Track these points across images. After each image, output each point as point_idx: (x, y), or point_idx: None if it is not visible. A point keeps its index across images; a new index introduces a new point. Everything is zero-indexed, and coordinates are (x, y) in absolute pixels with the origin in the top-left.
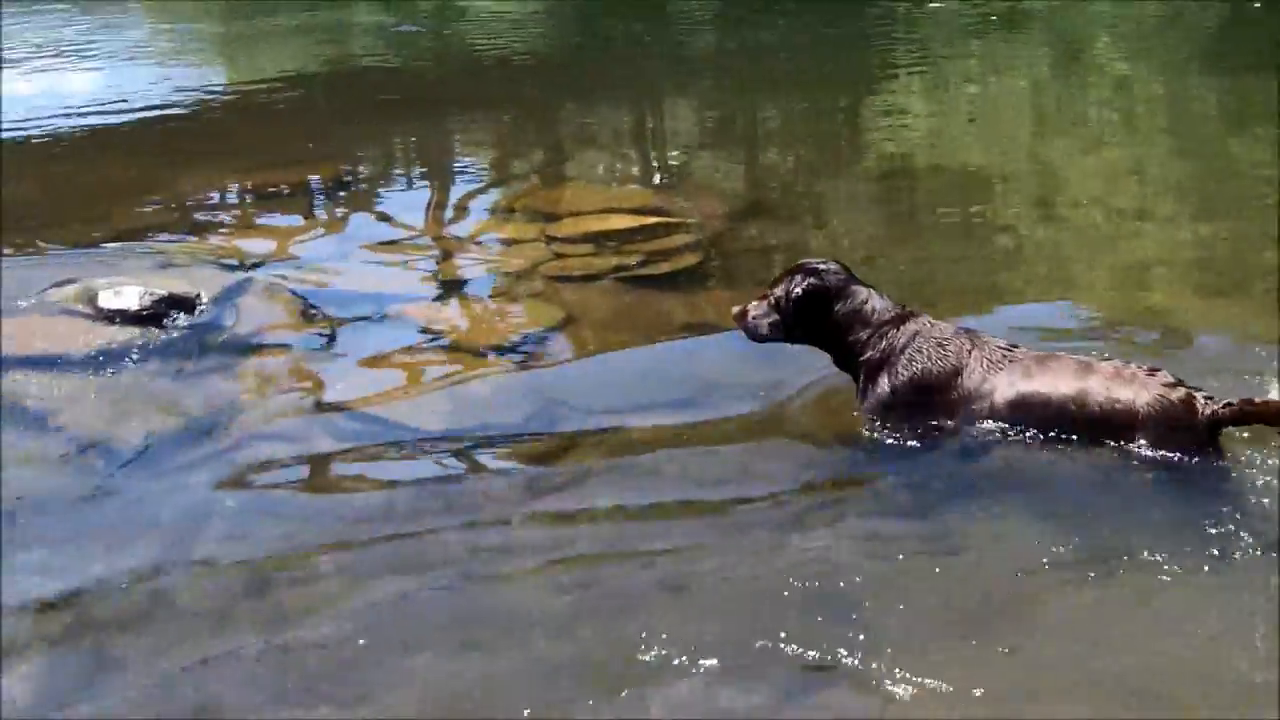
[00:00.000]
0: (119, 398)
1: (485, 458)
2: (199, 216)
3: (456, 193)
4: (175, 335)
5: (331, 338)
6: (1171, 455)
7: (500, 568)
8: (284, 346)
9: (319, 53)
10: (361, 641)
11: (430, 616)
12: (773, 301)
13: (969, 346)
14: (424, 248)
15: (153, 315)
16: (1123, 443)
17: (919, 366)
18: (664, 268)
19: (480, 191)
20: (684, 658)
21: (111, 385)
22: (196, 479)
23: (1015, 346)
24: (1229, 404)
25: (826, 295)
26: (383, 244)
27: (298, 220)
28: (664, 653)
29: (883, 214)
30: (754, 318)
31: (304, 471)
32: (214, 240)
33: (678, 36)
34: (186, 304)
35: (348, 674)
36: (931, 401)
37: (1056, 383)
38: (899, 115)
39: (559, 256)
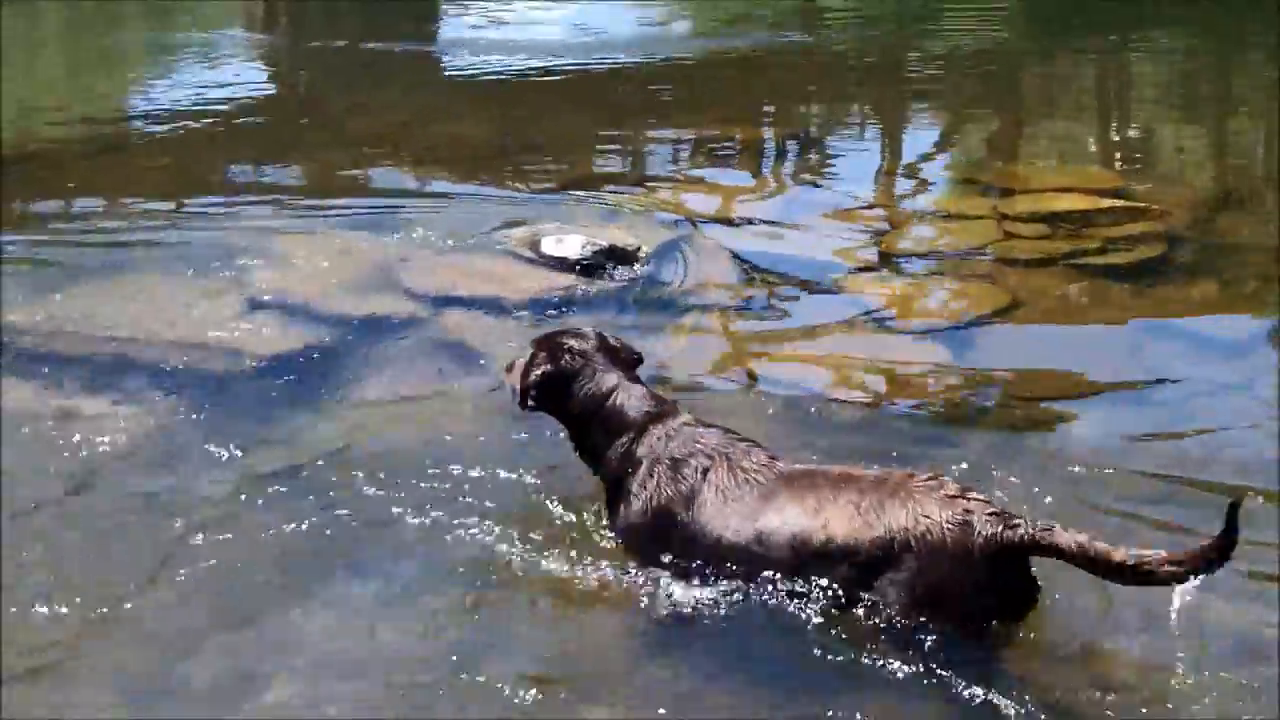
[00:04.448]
0: None
1: (912, 444)
2: (650, 168)
3: (907, 160)
4: (612, 287)
5: (767, 304)
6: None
7: None
8: (719, 309)
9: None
10: None
11: None
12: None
13: (708, 465)
14: (870, 217)
15: (592, 265)
16: (879, 587)
17: (649, 493)
18: (1123, 257)
19: (932, 161)
20: None
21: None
22: None
23: (775, 459)
24: (1018, 528)
25: (563, 379)
26: (828, 210)
27: (746, 179)
28: None
29: None
30: (510, 384)
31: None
32: (661, 194)
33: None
34: (626, 256)
35: None
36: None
37: (786, 517)
38: None
39: (1009, 236)
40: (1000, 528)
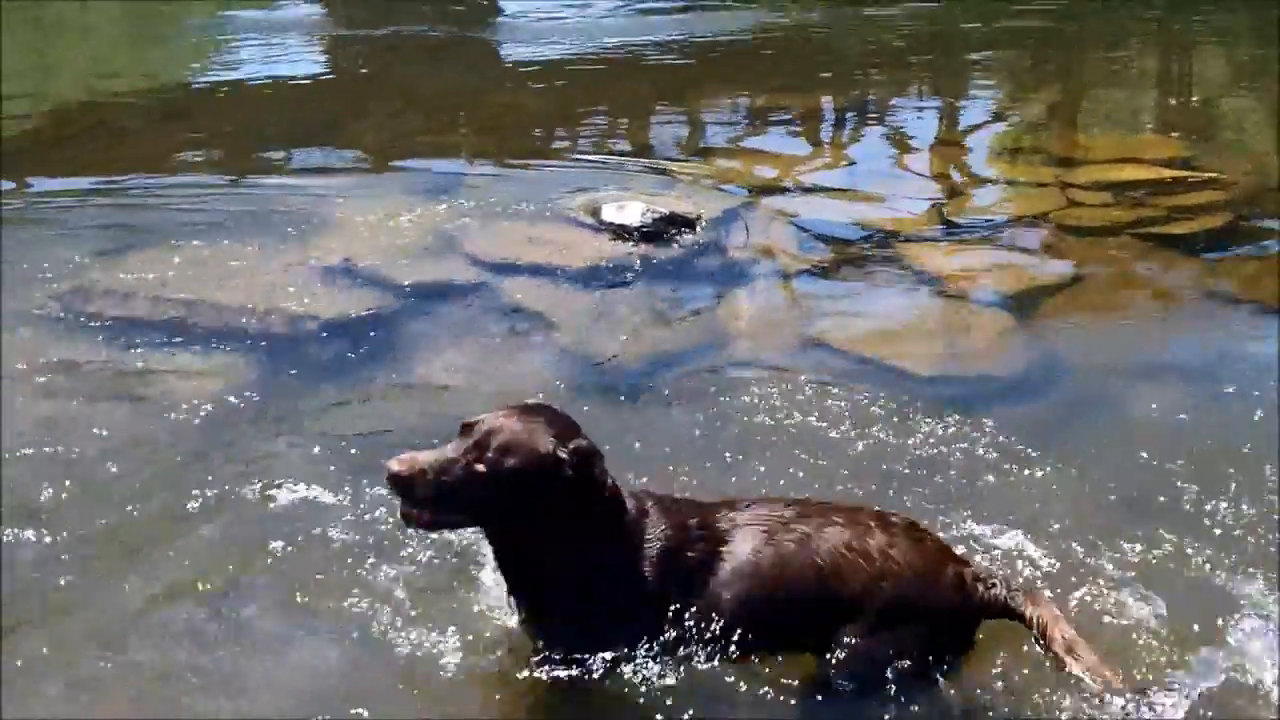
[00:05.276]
0: (607, 312)
1: (975, 415)
2: (708, 137)
3: (967, 128)
4: (672, 254)
5: (826, 270)
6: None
7: None
8: (778, 275)
9: None
10: None
11: None
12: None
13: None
14: (931, 185)
15: (652, 233)
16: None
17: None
18: (1187, 227)
19: (992, 129)
20: None
21: (604, 299)
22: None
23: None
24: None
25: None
26: (888, 178)
27: (804, 147)
28: None
29: None
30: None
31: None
32: (720, 162)
33: None
34: (687, 224)
35: None
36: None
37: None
38: None
39: (1073, 204)
40: (996, 589)
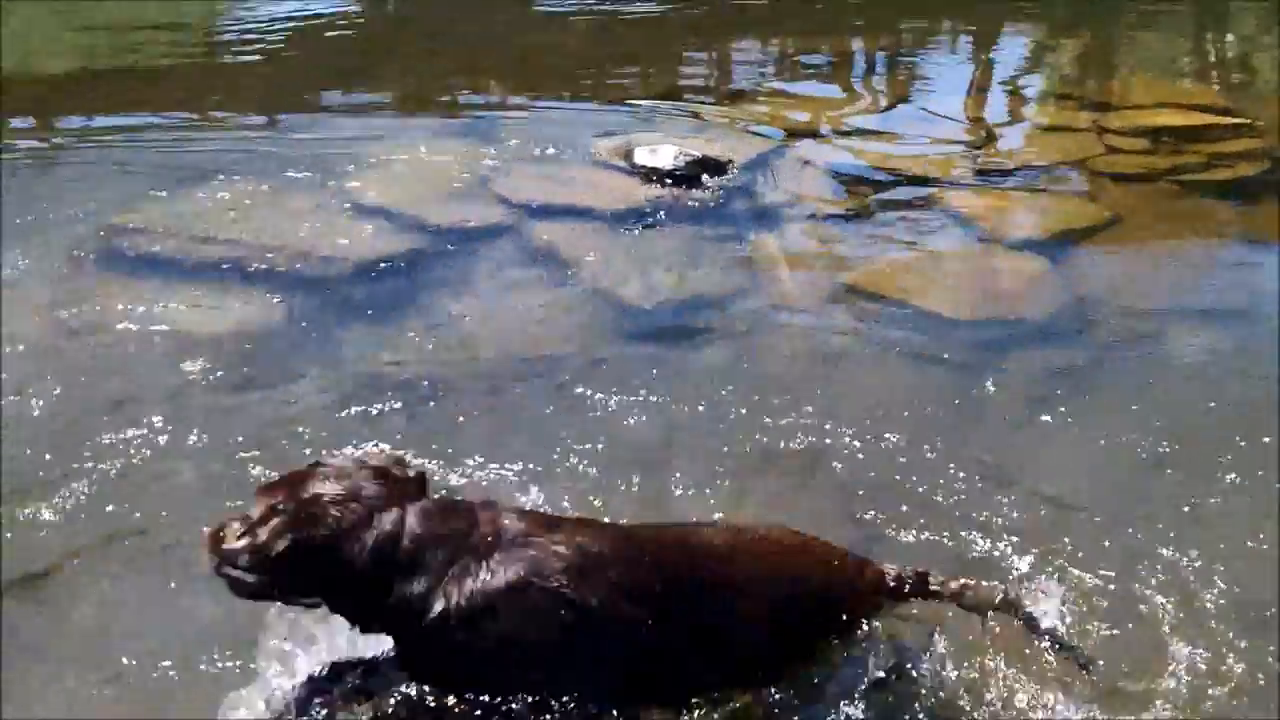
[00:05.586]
0: (638, 255)
1: (1008, 359)
2: (738, 81)
3: (1002, 74)
4: (704, 197)
5: (860, 216)
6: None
7: None
8: (811, 220)
9: None
10: None
11: None
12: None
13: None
14: (965, 130)
15: (685, 176)
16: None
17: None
18: (1226, 174)
19: (1027, 75)
20: None
21: (635, 242)
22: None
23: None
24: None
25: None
26: (922, 123)
27: (836, 92)
28: None
29: None
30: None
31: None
32: (752, 107)
33: None
34: (719, 167)
35: None
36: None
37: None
38: None
39: (1111, 150)
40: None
